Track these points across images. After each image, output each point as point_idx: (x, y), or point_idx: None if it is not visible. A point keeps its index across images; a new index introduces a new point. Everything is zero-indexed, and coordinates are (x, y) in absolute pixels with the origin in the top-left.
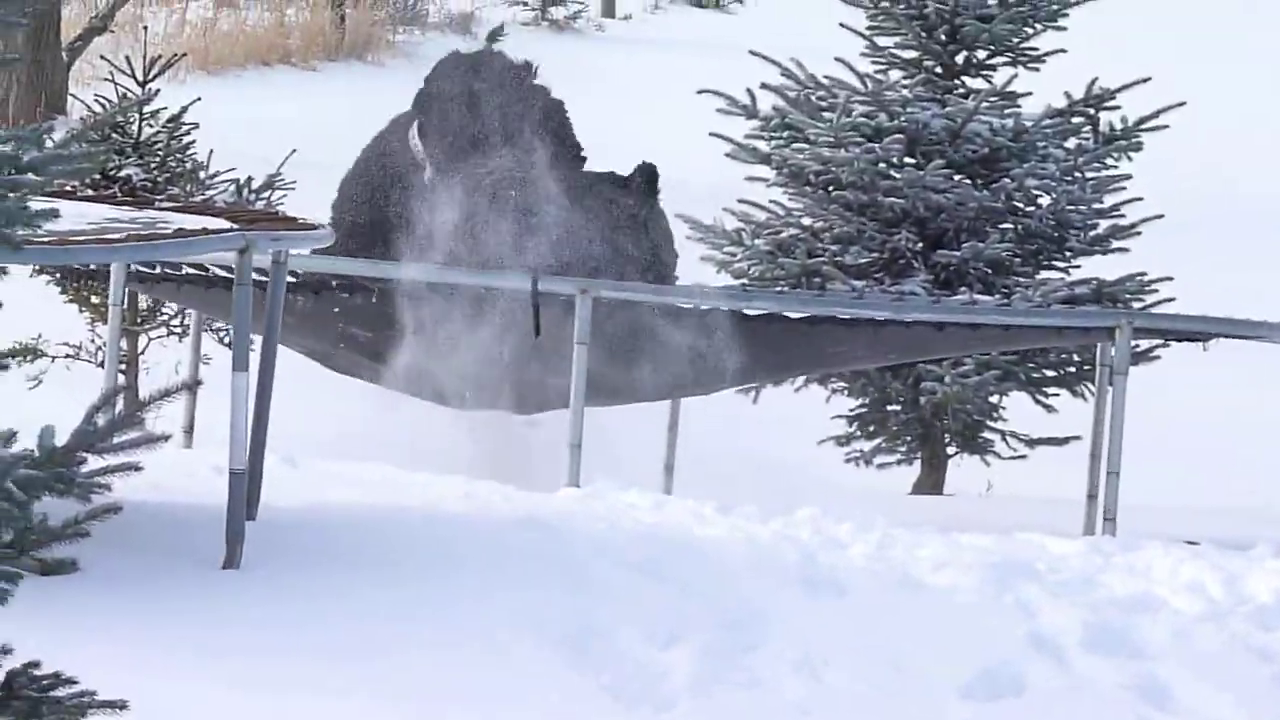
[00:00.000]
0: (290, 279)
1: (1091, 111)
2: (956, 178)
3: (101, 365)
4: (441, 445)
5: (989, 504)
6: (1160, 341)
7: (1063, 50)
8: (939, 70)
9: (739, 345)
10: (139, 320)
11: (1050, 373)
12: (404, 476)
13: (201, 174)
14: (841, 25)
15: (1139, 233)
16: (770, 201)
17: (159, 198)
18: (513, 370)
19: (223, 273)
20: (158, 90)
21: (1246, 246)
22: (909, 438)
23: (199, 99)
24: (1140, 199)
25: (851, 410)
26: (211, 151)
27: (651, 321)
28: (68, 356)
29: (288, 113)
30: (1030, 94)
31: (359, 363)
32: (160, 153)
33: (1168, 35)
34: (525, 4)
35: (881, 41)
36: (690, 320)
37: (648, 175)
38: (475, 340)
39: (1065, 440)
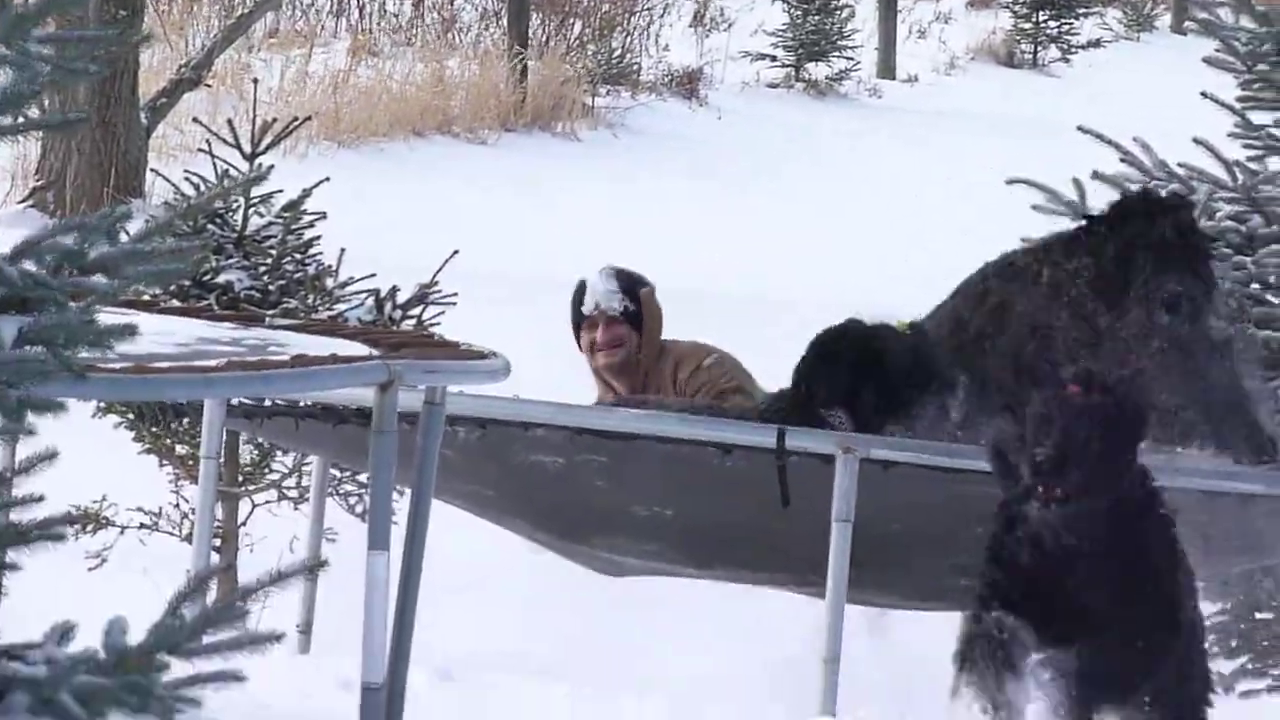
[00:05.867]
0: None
1: None
2: None
3: (189, 539)
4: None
5: None
6: None
7: None
8: None
9: None
10: (240, 480)
11: None
12: (586, 691)
13: (329, 282)
14: (1204, 95)
15: None
16: None
17: (270, 312)
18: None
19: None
20: (271, 166)
21: None
22: None
23: (327, 179)
24: None
25: None
26: (343, 251)
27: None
28: (143, 527)
29: (448, 201)
30: None
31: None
32: (273, 252)
33: None
34: (774, 59)
35: (1257, 119)
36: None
37: None
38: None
39: None
